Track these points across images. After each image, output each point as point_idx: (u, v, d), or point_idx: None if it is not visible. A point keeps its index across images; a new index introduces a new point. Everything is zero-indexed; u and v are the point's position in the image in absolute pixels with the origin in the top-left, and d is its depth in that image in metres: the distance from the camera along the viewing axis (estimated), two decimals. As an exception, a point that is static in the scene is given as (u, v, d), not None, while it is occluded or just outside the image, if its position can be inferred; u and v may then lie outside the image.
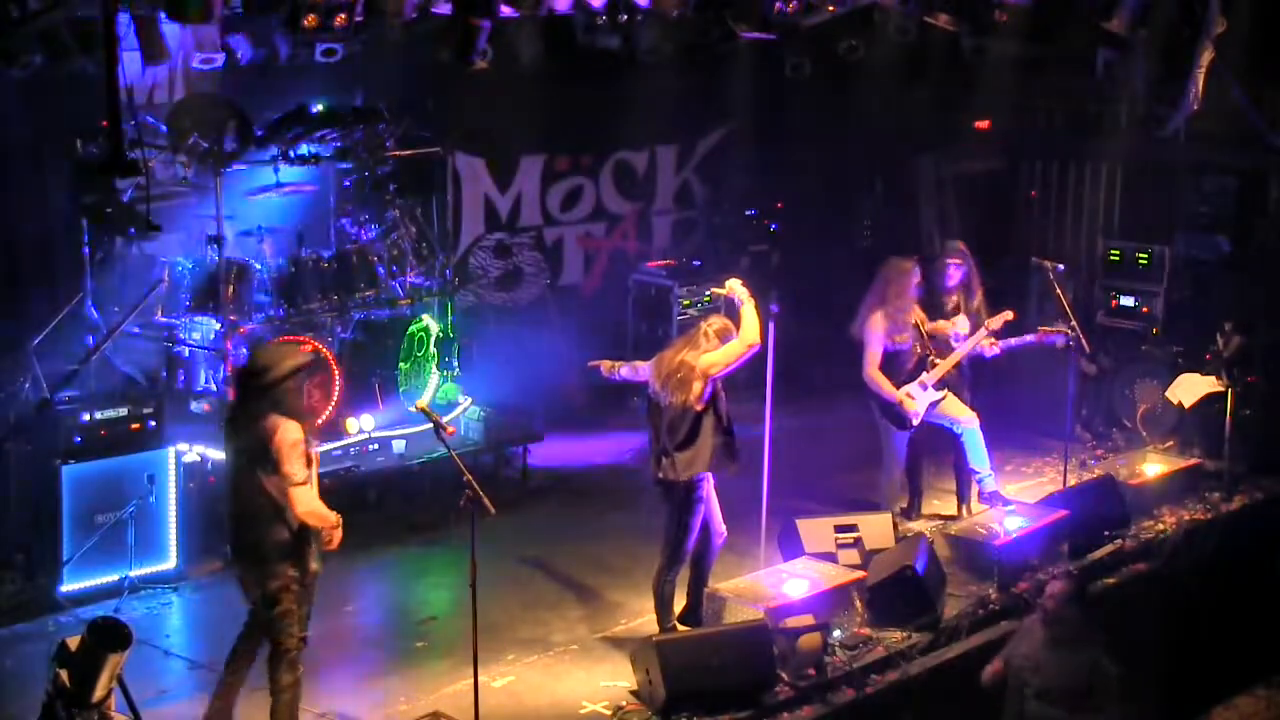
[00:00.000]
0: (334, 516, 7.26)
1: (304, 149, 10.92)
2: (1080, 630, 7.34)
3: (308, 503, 7.16)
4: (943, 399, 10.30)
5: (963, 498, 10.77)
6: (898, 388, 10.19)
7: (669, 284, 13.32)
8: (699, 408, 8.41)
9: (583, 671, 8.57)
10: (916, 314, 10.30)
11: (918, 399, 10.22)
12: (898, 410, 10.22)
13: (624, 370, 8.95)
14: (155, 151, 10.10)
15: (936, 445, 10.73)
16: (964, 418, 10.39)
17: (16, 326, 10.16)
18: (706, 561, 8.83)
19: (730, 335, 8.50)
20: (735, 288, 8.74)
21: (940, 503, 11.13)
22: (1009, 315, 10.49)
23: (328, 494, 7.50)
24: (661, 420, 8.51)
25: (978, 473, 10.55)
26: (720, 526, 8.77)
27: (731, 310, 8.81)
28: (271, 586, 7.22)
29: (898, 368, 10.23)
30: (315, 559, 7.35)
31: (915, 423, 10.27)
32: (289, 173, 11.22)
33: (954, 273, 10.63)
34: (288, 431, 7.11)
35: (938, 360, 10.27)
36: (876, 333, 10.15)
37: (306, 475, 7.14)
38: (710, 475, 8.56)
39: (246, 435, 7.23)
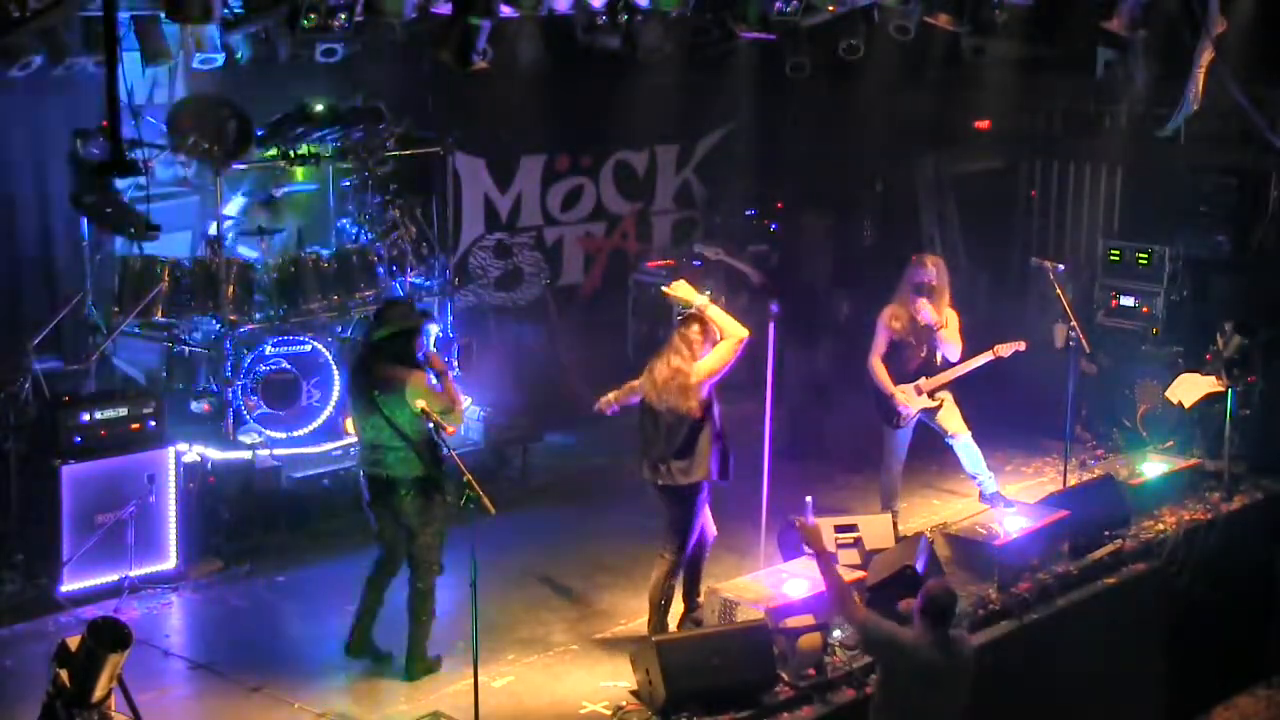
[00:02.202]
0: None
1: (304, 149, 10.93)
2: (927, 627, 7.33)
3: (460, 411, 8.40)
4: (938, 407, 10.29)
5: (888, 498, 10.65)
6: (896, 384, 10.18)
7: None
8: (698, 415, 8.41)
9: (583, 671, 8.57)
10: (928, 314, 10.21)
11: (911, 399, 10.21)
12: (890, 404, 10.21)
13: (622, 399, 8.81)
14: (155, 151, 10.11)
15: (937, 446, 10.73)
16: (955, 429, 10.36)
17: (16, 326, 10.17)
18: (702, 563, 8.87)
19: (711, 331, 8.50)
20: (680, 291, 8.62)
21: (940, 503, 11.14)
22: (1020, 346, 10.33)
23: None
24: (656, 426, 8.51)
25: (976, 477, 10.54)
26: (713, 528, 8.78)
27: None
28: (424, 514, 8.22)
29: (901, 364, 10.21)
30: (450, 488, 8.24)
31: (903, 422, 10.24)
32: (289, 172, 11.23)
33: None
34: (418, 380, 8.12)
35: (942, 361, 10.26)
36: (882, 322, 10.17)
37: (454, 394, 8.30)
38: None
39: (379, 380, 8.20)
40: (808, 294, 13.54)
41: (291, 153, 10.89)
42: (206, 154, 10.29)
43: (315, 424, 10.86)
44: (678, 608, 8.84)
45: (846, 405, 11.70)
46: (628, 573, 9.72)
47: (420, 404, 8.02)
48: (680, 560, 8.62)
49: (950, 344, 10.18)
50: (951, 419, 10.35)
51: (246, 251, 10.97)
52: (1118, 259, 13.10)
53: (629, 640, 8.72)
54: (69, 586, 9.17)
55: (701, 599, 8.89)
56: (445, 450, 8.07)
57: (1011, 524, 9.83)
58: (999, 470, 10.94)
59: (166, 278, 10.41)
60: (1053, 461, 11.66)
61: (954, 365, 10.25)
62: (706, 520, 8.72)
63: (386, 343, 8.27)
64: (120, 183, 9.80)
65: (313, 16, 9.51)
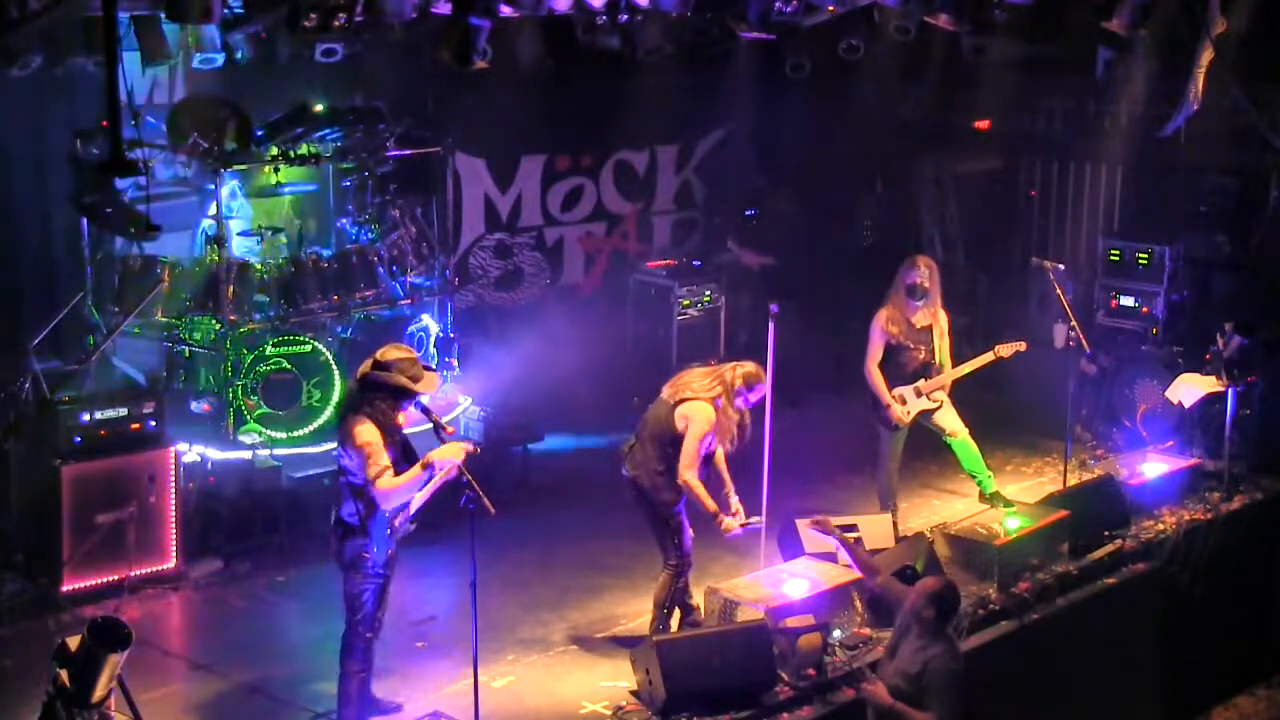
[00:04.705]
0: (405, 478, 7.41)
1: (304, 149, 10.93)
2: (931, 629, 7.29)
3: (388, 489, 7.32)
4: (937, 408, 10.28)
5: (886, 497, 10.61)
6: (893, 388, 10.17)
7: (669, 284, 13.31)
8: (675, 429, 8.39)
9: (583, 671, 8.57)
10: (930, 317, 10.21)
11: (909, 404, 10.20)
12: (885, 411, 10.20)
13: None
14: (155, 151, 10.12)
15: (936, 446, 10.73)
16: (953, 428, 10.35)
17: (16, 326, 10.18)
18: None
19: (758, 381, 8.44)
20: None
21: (940, 503, 11.14)
22: (1021, 346, 10.37)
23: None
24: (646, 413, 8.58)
25: (976, 477, 10.54)
26: (689, 529, 8.77)
27: None
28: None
29: (899, 367, 10.19)
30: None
31: (900, 427, 10.23)
32: (289, 173, 11.23)
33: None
34: (357, 433, 7.33)
35: (937, 364, 10.24)
36: (876, 327, 10.14)
37: (386, 465, 7.35)
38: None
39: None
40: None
41: (291, 153, 10.89)
42: (206, 154, 10.30)
43: (315, 424, 10.86)
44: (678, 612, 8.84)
45: (844, 406, 11.70)
46: (628, 573, 9.73)
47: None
48: (681, 564, 8.58)
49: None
50: (949, 418, 10.34)
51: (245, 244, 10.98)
52: (1118, 259, 13.11)
53: (629, 640, 8.72)
54: (69, 586, 9.17)
55: (695, 603, 8.86)
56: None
57: (1011, 524, 9.82)
58: (999, 470, 10.92)
59: (166, 278, 10.42)
60: (1053, 461, 11.65)
61: (954, 366, 10.25)
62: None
63: (360, 383, 7.53)
64: (120, 183, 9.81)
65: (313, 16, 9.52)
